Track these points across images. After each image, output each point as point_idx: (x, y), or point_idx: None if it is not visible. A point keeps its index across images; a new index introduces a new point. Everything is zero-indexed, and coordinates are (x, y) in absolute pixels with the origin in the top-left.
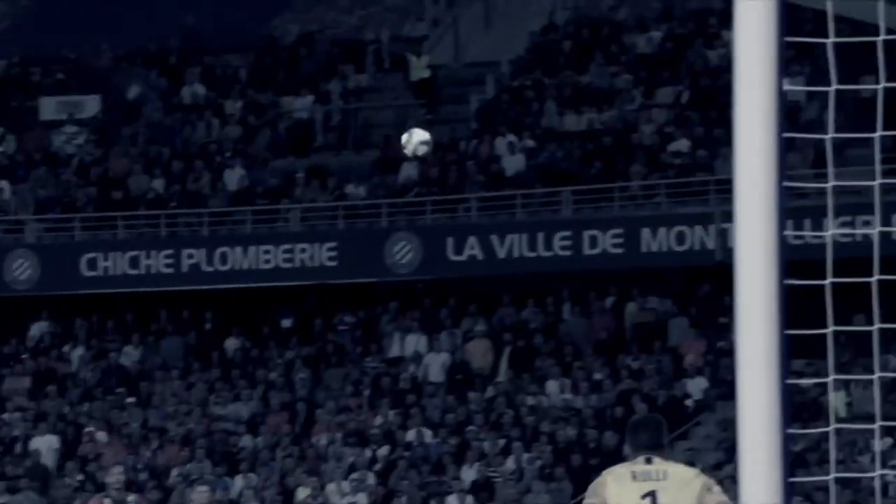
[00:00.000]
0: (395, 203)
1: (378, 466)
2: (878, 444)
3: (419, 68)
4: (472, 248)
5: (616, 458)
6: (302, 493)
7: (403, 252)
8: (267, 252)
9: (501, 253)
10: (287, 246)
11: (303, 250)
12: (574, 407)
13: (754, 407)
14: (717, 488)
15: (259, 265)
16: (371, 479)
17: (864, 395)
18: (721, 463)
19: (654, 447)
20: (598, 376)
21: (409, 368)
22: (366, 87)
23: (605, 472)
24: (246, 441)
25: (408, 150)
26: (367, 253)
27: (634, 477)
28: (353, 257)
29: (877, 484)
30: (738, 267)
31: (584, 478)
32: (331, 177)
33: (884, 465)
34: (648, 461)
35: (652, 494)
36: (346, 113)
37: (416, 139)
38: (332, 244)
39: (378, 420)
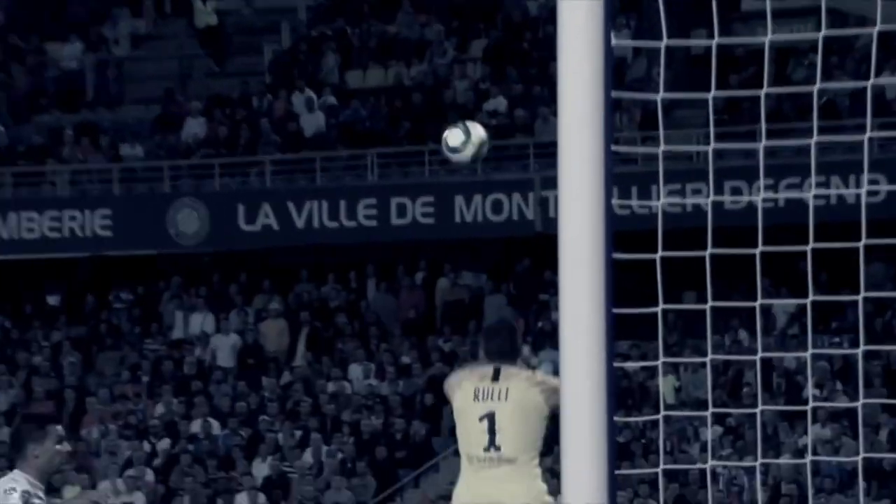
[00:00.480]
0: (179, 166)
1: (158, 462)
2: (710, 433)
3: (205, 14)
4: (267, 216)
5: (426, 449)
6: (70, 491)
7: (188, 221)
8: (31, 220)
9: (299, 222)
10: (54, 213)
11: (72, 218)
12: (379, 394)
13: (578, 392)
14: (552, 380)
15: (21, 234)
16: (149, 475)
17: (693, 379)
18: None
19: (505, 355)
20: (405, 360)
21: (194, 352)
22: (144, 35)
23: (459, 374)
24: (5, 434)
25: (466, 151)
26: (147, 221)
27: (476, 396)
28: (131, 226)
29: (708, 477)
30: (561, 238)
31: (389, 472)
32: (104, 135)
33: (714, 456)
34: (496, 376)
35: (490, 417)
36: (121, 63)
37: (475, 140)
38: (107, 211)
39: (158, 410)
